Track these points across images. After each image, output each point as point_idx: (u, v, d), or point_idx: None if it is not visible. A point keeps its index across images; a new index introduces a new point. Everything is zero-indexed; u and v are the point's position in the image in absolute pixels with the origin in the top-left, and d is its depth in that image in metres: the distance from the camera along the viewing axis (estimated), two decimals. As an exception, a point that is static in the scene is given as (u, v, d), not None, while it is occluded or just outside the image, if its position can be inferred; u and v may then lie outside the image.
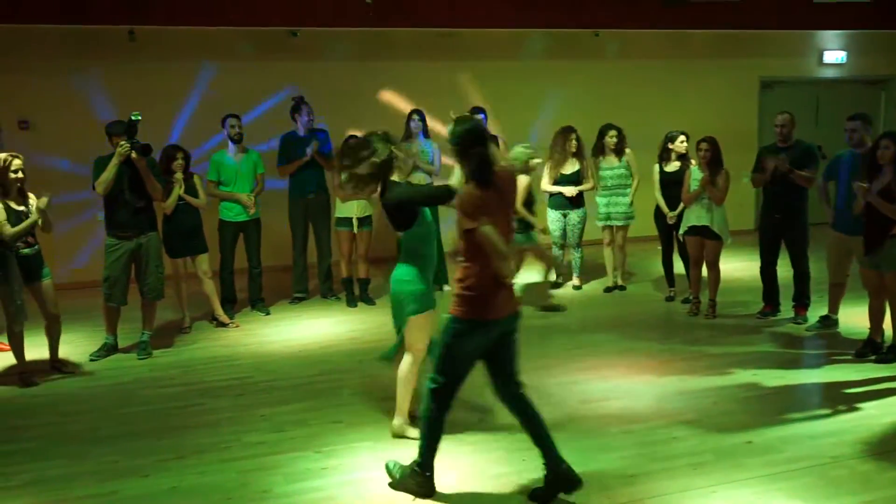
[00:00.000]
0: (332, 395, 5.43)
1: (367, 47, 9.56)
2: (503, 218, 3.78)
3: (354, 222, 7.54)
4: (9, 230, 5.47)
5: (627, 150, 8.03)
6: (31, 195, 5.75)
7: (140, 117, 5.99)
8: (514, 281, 3.94)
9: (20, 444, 4.76)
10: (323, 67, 9.42)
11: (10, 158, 5.57)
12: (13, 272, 5.57)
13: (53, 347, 6.03)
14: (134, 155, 5.96)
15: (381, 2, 8.85)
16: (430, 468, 3.97)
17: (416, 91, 9.33)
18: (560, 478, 3.90)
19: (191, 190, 6.82)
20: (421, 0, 9.21)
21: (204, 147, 8.77)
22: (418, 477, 3.96)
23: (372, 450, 4.55)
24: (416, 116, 7.88)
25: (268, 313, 7.59)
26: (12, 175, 5.55)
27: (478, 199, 3.64)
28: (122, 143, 5.95)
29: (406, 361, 4.58)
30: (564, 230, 8.11)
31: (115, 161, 5.98)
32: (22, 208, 5.61)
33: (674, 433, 4.67)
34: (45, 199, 5.63)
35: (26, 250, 5.67)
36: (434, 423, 3.90)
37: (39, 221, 5.68)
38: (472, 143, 3.73)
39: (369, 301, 7.87)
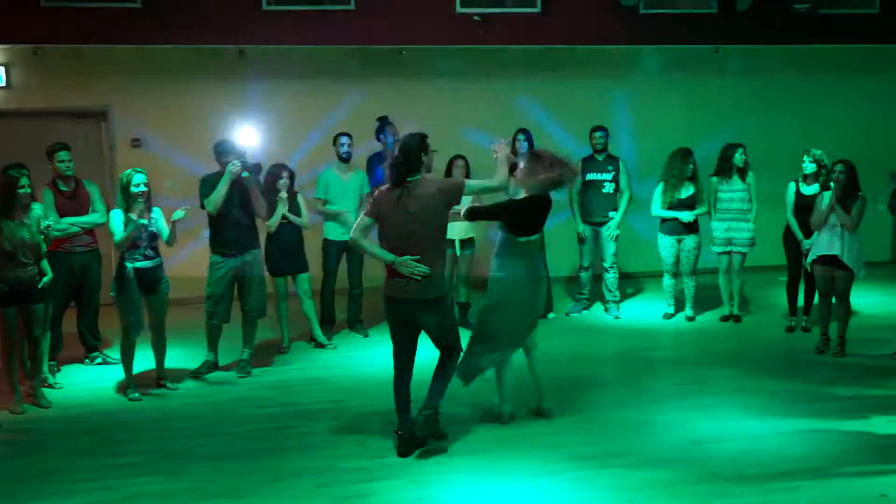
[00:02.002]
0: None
1: (471, 65, 9.66)
2: (398, 219, 4.76)
3: (457, 244, 7.61)
4: (119, 236, 5.84)
5: (751, 173, 7.80)
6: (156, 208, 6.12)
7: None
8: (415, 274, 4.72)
9: (124, 457, 5.01)
10: (426, 86, 9.57)
11: (131, 174, 5.95)
12: (130, 285, 5.90)
13: (159, 362, 6.33)
14: (245, 174, 6.24)
15: (488, 20, 8.95)
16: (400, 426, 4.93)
17: (521, 108, 9.40)
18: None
19: (294, 209, 7.06)
20: (527, 17, 9.26)
21: (313, 168, 9.07)
22: (396, 440, 4.94)
23: (470, 482, 4.55)
24: (520, 136, 7.92)
25: (366, 335, 7.74)
26: (133, 189, 5.90)
27: (377, 197, 4.88)
28: (234, 162, 6.22)
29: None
30: (678, 257, 7.94)
31: (226, 179, 6.25)
32: (144, 221, 5.95)
33: (797, 482, 4.46)
34: (181, 212, 5.97)
35: (144, 263, 5.99)
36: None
37: (165, 235, 6.02)
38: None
39: (469, 326, 7.88)
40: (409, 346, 4.97)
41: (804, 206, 7.24)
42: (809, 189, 7.31)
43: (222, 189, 6.25)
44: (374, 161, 7.84)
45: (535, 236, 5.23)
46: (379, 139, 7.84)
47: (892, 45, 10.25)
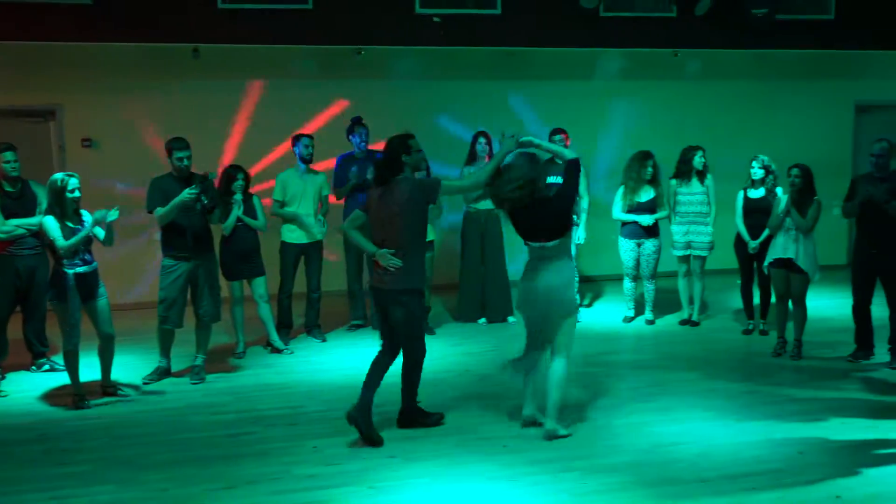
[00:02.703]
0: (387, 427, 5.46)
1: (431, 66, 9.69)
2: (379, 214, 5.15)
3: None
4: (63, 242, 5.73)
5: (709, 175, 7.93)
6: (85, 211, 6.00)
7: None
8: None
9: (72, 467, 4.91)
10: (386, 86, 9.58)
11: (66, 178, 5.84)
12: (69, 291, 5.79)
13: (106, 369, 6.22)
14: (198, 208, 6.20)
15: (448, 21, 8.98)
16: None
17: (479, 111, 9.45)
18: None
19: (250, 211, 7.00)
20: (486, 19, 9.31)
21: (266, 167, 9.03)
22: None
23: (428, 487, 4.55)
24: (482, 139, 7.96)
25: (324, 340, 7.70)
26: (69, 195, 5.80)
27: (369, 193, 5.30)
28: (191, 191, 6.09)
29: (563, 364, 5.22)
30: (638, 261, 8.04)
31: (176, 202, 6.12)
32: (79, 227, 5.85)
33: (753, 483, 4.54)
34: (115, 212, 5.88)
35: (84, 268, 5.88)
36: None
37: (101, 236, 5.92)
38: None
39: (429, 331, 7.91)
40: (388, 334, 5.34)
41: (752, 209, 7.47)
42: (757, 193, 7.48)
43: (173, 210, 6.15)
44: (343, 161, 7.82)
45: (543, 243, 5.14)
46: (350, 139, 7.82)
47: (847, 51, 10.51)
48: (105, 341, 6.15)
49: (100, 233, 5.97)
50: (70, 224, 5.80)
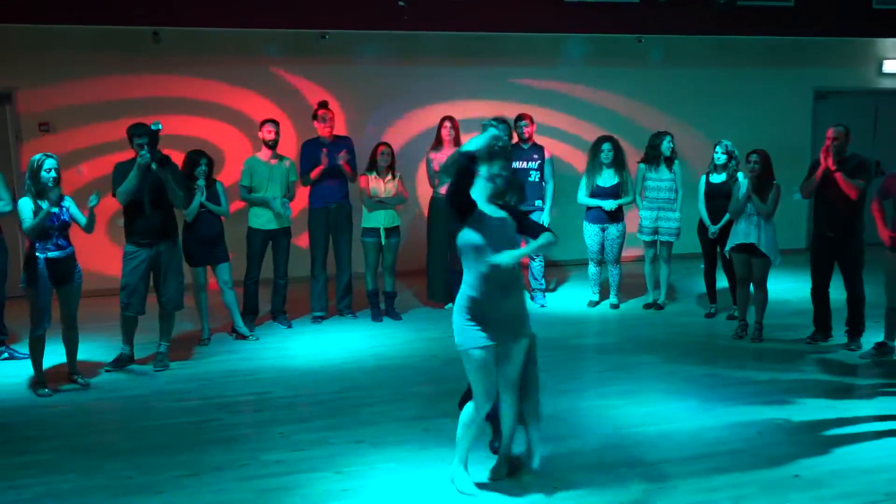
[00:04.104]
0: (354, 413, 5.46)
1: (398, 50, 9.65)
2: None
3: (382, 233, 7.60)
4: (27, 223, 5.64)
5: (677, 161, 8.00)
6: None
7: (161, 126, 6.13)
8: None
9: (33, 455, 4.85)
10: (352, 70, 9.52)
11: (42, 158, 5.75)
12: (40, 275, 5.71)
13: (71, 355, 6.14)
14: (153, 166, 6.07)
15: (413, 4, 8.93)
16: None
17: (449, 95, 9.43)
18: None
19: (213, 197, 6.93)
20: (454, 3, 9.29)
21: (230, 153, 8.94)
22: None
23: (394, 471, 4.57)
24: (448, 123, 7.95)
25: (290, 326, 7.67)
26: (44, 174, 5.70)
27: None
28: (142, 153, 6.06)
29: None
30: (602, 245, 8.11)
31: (135, 171, 6.09)
32: (55, 209, 5.75)
33: (715, 463, 4.63)
34: (94, 198, 5.84)
35: (56, 253, 5.78)
36: None
37: (83, 222, 5.86)
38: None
39: (395, 316, 7.91)
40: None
41: (713, 194, 7.59)
42: (718, 178, 7.59)
43: (132, 180, 6.09)
44: (308, 146, 7.76)
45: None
46: (314, 124, 7.76)
47: (808, 38, 10.67)
48: (68, 328, 6.05)
49: (81, 219, 5.87)
50: (45, 206, 5.70)
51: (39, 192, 5.72)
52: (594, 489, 4.34)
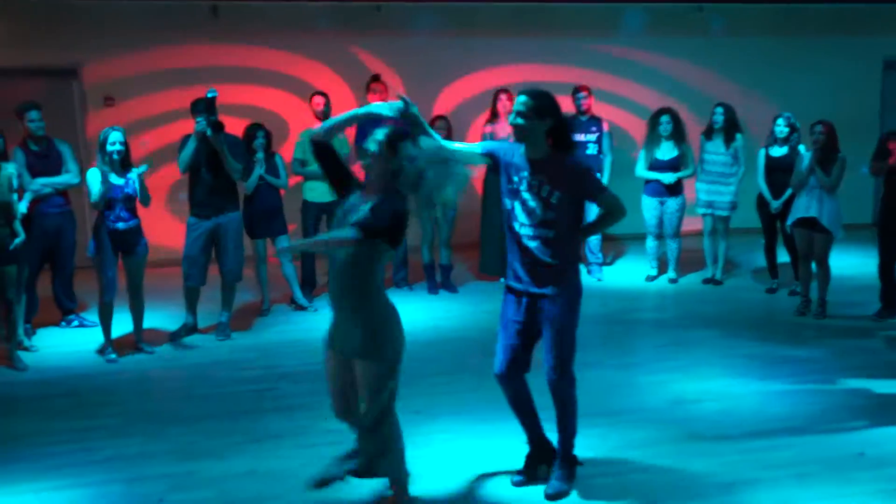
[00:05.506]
0: (411, 384, 5.46)
1: (454, 22, 9.56)
2: None
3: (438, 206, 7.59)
4: (93, 197, 5.79)
5: (738, 135, 7.78)
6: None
7: (216, 93, 6.17)
8: None
9: (102, 419, 5.00)
10: (408, 43, 9.48)
11: (108, 132, 5.86)
12: (105, 245, 5.87)
13: (137, 324, 6.29)
14: (209, 133, 6.13)
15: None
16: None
17: (505, 67, 9.33)
18: None
19: (272, 170, 6.99)
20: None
21: (294, 125, 8.99)
22: None
23: (451, 442, 4.59)
24: (503, 96, 7.87)
25: (346, 298, 7.72)
26: (109, 148, 5.81)
27: None
28: (198, 120, 6.13)
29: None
30: (661, 219, 7.97)
31: (192, 139, 6.17)
32: (121, 181, 5.87)
33: (776, 441, 4.54)
34: (144, 167, 5.97)
35: (118, 225, 5.91)
36: None
37: (137, 193, 5.96)
38: None
39: (451, 289, 7.92)
40: None
41: (774, 168, 7.37)
42: (779, 151, 7.37)
43: (189, 149, 6.17)
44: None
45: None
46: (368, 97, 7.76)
47: (878, 4, 10.24)
48: (134, 298, 6.20)
49: (136, 189, 5.98)
50: (112, 178, 5.82)
51: (106, 164, 5.85)
52: (652, 465, 4.29)
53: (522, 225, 3.86)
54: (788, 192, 7.09)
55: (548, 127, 3.76)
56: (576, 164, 3.87)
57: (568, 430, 4.11)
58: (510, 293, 4.04)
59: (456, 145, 4.02)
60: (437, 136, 3.84)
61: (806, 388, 5.31)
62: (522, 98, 3.76)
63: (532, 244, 3.85)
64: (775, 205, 7.36)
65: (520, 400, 4.16)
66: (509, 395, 4.15)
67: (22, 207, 5.95)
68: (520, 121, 3.76)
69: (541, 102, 3.75)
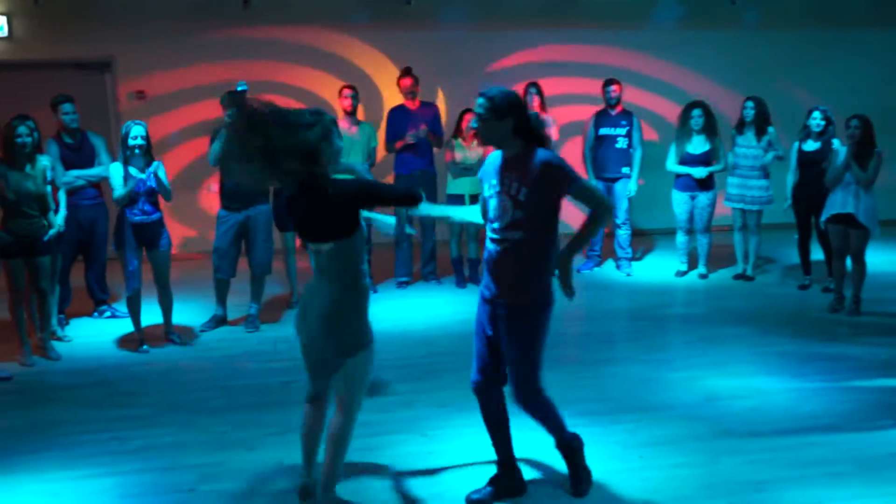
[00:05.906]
0: (438, 377, 5.49)
1: (483, 14, 9.53)
2: None
3: (467, 199, 7.58)
4: (116, 193, 5.84)
5: (770, 129, 7.66)
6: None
7: (247, 87, 6.20)
8: None
9: (133, 409, 5.06)
10: (437, 36, 9.46)
11: (130, 125, 5.92)
12: (126, 239, 5.92)
13: (166, 316, 6.36)
14: None
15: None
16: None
17: (534, 60, 9.29)
18: None
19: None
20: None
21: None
22: None
23: (479, 436, 4.57)
24: (533, 90, 7.84)
25: (375, 291, 7.73)
26: (130, 142, 5.86)
27: None
28: (228, 113, 6.16)
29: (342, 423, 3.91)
30: (691, 214, 7.90)
31: (222, 132, 6.20)
32: (143, 175, 5.92)
33: (808, 439, 4.48)
34: (154, 163, 5.98)
35: (141, 218, 5.97)
36: None
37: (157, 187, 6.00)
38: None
39: (479, 282, 7.89)
40: None
41: (807, 163, 7.27)
42: (813, 145, 7.25)
43: (218, 142, 6.20)
44: (394, 114, 7.77)
45: (317, 244, 3.69)
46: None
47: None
48: (161, 291, 6.26)
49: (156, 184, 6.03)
50: (133, 172, 5.88)
51: (127, 158, 5.89)
52: (682, 461, 4.26)
53: (493, 228, 3.67)
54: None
55: (510, 126, 3.58)
56: (544, 157, 3.57)
57: (557, 440, 3.93)
58: (481, 300, 3.82)
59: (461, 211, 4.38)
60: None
61: (839, 386, 5.23)
62: (480, 100, 3.61)
63: (498, 247, 3.64)
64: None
65: (490, 414, 3.90)
66: (481, 407, 3.90)
67: (59, 219, 5.99)
68: (478, 123, 3.65)
69: (497, 103, 3.56)
